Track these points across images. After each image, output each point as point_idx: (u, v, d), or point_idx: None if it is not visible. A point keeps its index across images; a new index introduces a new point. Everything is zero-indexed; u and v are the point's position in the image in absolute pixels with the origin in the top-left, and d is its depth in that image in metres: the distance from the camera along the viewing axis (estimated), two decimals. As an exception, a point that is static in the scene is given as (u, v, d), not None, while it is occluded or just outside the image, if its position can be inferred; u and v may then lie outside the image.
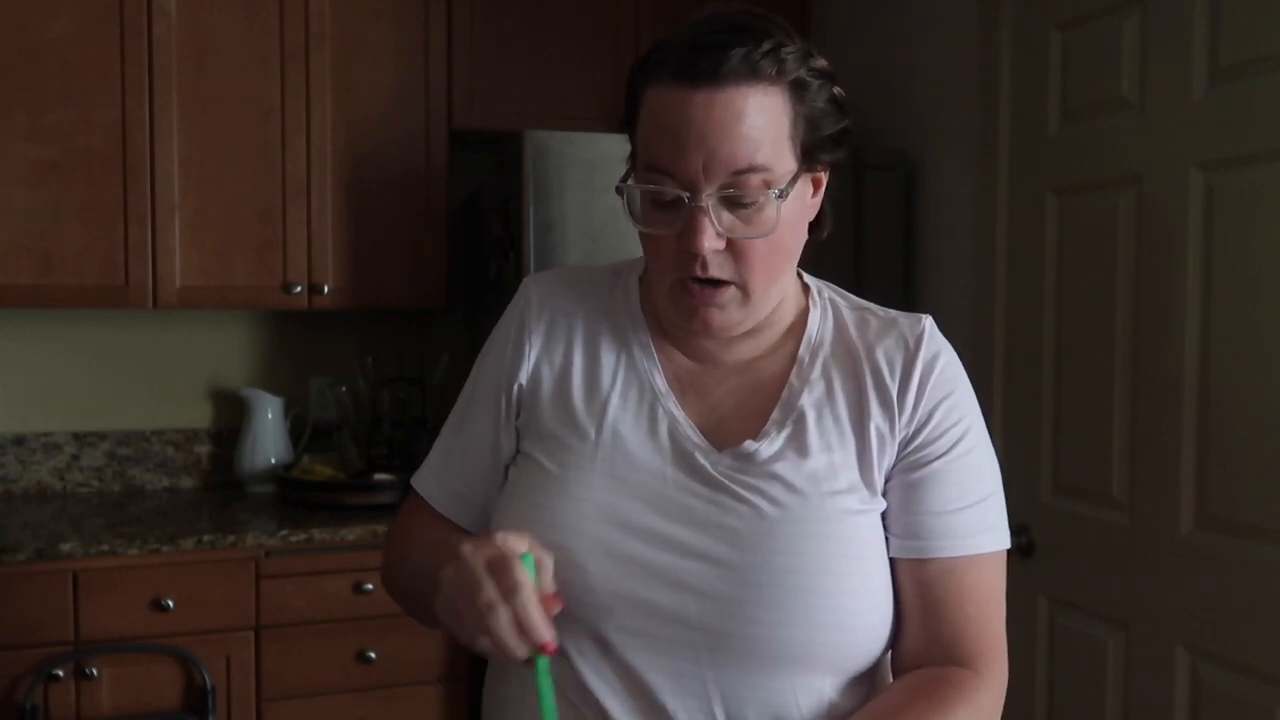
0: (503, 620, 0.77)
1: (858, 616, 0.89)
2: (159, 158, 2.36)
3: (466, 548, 0.81)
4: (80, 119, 2.31)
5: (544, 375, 0.99)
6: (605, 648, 0.90)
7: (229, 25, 2.40)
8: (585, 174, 2.20)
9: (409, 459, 2.55)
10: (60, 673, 2.04)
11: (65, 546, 2.06)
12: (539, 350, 1.00)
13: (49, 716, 2.05)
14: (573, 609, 0.89)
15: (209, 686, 2.12)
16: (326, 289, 2.48)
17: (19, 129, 2.27)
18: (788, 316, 0.99)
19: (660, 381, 0.97)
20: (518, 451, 1.00)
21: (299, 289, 2.46)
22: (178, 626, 2.12)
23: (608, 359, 0.99)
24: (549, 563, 0.84)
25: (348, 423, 2.60)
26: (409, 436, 2.59)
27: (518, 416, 1.00)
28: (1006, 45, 2.17)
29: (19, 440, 2.59)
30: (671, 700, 0.88)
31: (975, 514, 0.93)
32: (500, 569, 0.78)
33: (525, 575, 0.78)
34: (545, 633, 0.78)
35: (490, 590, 0.78)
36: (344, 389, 2.63)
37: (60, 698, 2.05)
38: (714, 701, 0.88)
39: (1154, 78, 1.81)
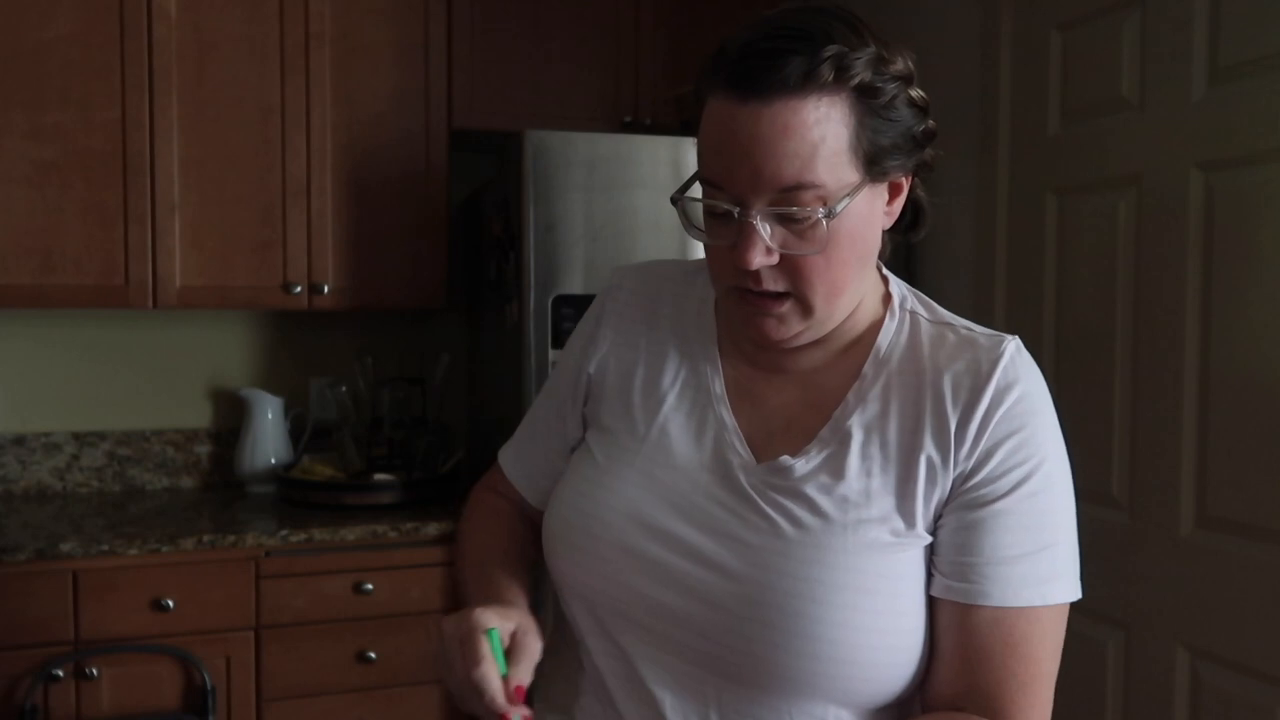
0: (469, 692, 0.82)
1: (861, 652, 0.83)
2: (159, 158, 2.36)
3: (447, 624, 0.85)
4: (80, 119, 2.31)
5: (611, 368, 1.01)
6: (615, 638, 0.92)
7: (229, 25, 2.40)
8: (585, 174, 2.20)
9: (409, 459, 2.55)
10: (60, 673, 2.04)
11: (65, 546, 2.06)
12: (610, 343, 1.02)
13: (49, 716, 2.05)
14: (593, 597, 0.92)
15: (209, 686, 2.12)
16: (326, 289, 2.48)
17: (19, 129, 2.27)
18: (860, 326, 0.94)
19: (718, 386, 0.96)
20: (582, 440, 1.03)
21: (299, 289, 2.46)
22: (178, 626, 2.12)
23: (673, 359, 0.99)
24: (531, 643, 0.86)
25: (348, 423, 2.60)
26: (409, 436, 2.59)
27: (584, 404, 1.03)
28: (1006, 45, 2.17)
29: (19, 440, 2.59)
30: (670, 698, 0.89)
31: (1035, 563, 0.84)
32: (466, 644, 0.83)
33: (485, 650, 0.82)
34: (501, 703, 0.80)
35: (458, 665, 0.82)
36: (344, 389, 2.63)
37: (60, 698, 2.05)
38: (710, 708, 0.88)
39: (1154, 78, 1.81)
